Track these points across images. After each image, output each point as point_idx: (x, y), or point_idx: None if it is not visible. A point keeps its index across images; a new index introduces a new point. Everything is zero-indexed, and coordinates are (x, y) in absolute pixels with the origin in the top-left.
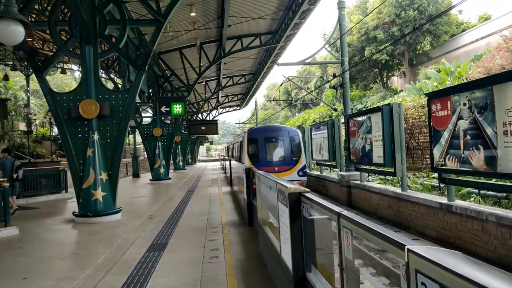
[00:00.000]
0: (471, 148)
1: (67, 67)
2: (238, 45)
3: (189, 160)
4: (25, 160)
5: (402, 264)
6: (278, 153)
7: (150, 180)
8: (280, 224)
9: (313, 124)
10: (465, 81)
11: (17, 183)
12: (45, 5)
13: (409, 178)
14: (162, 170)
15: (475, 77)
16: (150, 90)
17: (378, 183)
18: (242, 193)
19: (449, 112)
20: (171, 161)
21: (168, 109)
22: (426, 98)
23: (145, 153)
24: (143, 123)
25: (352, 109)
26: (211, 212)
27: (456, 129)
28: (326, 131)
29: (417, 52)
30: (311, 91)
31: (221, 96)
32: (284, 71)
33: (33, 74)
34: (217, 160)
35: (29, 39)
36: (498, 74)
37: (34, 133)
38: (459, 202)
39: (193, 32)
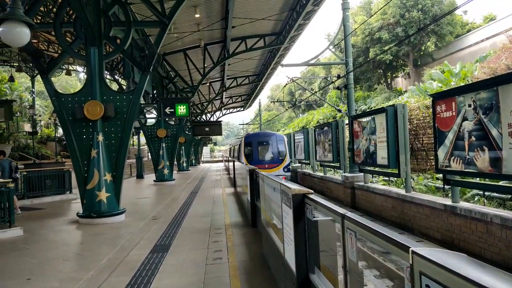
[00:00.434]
0: (476, 150)
1: (72, 69)
2: (242, 46)
3: (193, 161)
4: (29, 161)
5: (406, 266)
6: (268, 154)
7: (154, 181)
8: (284, 226)
9: (316, 126)
10: (470, 82)
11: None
12: (50, 7)
13: (413, 179)
14: (166, 171)
15: (480, 78)
16: (155, 91)
17: (382, 185)
18: (246, 194)
19: (454, 113)
20: (175, 162)
21: (172, 110)
22: (431, 99)
23: (149, 154)
24: (147, 124)
25: (356, 110)
26: (214, 213)
27: (461, 130)
28: (329, 132)
29: (422, 53)
30: (315, 92)
31: (225, 97)
32: (288, 72)
33: (38, 76)
34: (221, 161)
35: (35, 41)
36: (504, 75)
37: (39, 134)
38: (463, 204)
39: (197, 33)
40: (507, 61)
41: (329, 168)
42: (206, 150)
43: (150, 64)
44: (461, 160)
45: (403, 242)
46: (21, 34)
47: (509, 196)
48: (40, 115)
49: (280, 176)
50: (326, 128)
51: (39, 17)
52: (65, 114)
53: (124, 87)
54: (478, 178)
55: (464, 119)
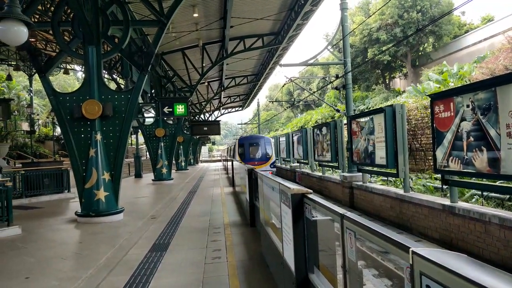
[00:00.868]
0: (474, 150)
1: (70, 68)
2: (240, 46)
3: (191, 160)
4: (27, 160)
5: (406, 267)
6: (257, 153)
7: (153, 180)
8: (283, 225)
9: (315, 125)
10: (468, 82)
11: None
12: (48, 6)
13: (411, 179)
14: (164, 171)
15: (478, 78)
16: (153, 91)
17: (381, 184)
18: (245, 194)
19: (452, 114)
20: (173, 162)
21: (171, 109)
22: (429, 99)
23: (147, 153)
24: (145, 123)
25: (354, 110)
26: (213, 213)
27: (459, 130)
28: (328, 132)
29: (420, 54)
30: (314, 92)
31: (224, 97)
32: (286, 72)
33: (36, 74)
34: (219, 160)
35: (32, 40)
36: (502, 76)
37: (37, 133)
38: (462, 204)
39: (195, 32)
40: (505, 62)
41: (328, 168)
42: (204, 149)
43: (148, 64)
44: (459, 161)
45: (403, 242)
46: (19, 33)
47: (507, 196)
48: (38, 114)
49: (267, 171)
50: (324, 128)
51: (37, 16)
52: (63, 113)
53: (122, 86)
54: (476, 178)
55: (463, 119)
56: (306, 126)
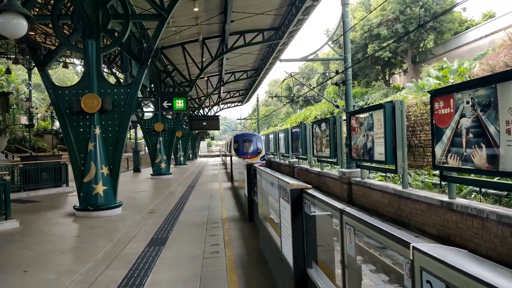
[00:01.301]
0: (473, 146)
1: (69, 61)
2: (240, 41)
3: (190, 155)
4: (26, 154)
5: (406, 262)
6: (250, 148)
7: (151, 175)
8: (281, 220)
9: (314, 121)
10: (468, 79)
11: None
12: None
13: (410, 175)
14: (163, 165)
15: (479, 75)
16: (152, 85)
17: (379, 180)
18: (243, 188)
19: (452, 110)
20: (172, 156)
21: (170, 104)
22: (429, 95)
23: (146, 148)
24: (144, 118)
25: (354, 106)
26: (211, 207)
27: (458, 127)
28: (327, 128)
29: (420, 50)
30: (313, 87)
31: (223, 92)
32: (286, 67)
33: (35, 68)
34: (218, 155)
35: (32, 33)
36: (502, 72)
37: (35, 126)
38: (460, 200)
39: (195, 27)
40: (506, 59)
41: (326, 164)
42: (203, 144)
43: (148, 58)
44: (458, 157)
45: (403, 238)
46: (19, 26)
47: (505, 193)
48: (36, 108)
49: (258, 163)
50: (323, 123)
51: (37, 9)
52: (62, 107)
53: (122, 80)
54: (474, 175)
55: (462, 116)
56: (305, 122)
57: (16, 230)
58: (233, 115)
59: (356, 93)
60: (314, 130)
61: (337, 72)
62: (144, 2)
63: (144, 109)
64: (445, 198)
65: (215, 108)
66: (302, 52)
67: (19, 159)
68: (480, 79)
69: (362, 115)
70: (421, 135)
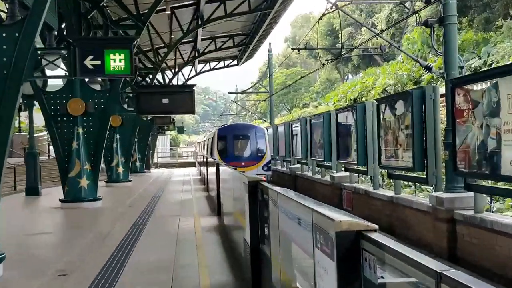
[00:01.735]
0: None
1: None
2: None
3: (137, 164)
4: None
5: None
6: (245, 150)
7: (61, 201)
8: None
9: (382, 98)
10: None
11: None
12: None
13: None
14: (84, 182)
15: None
16: (64, 25)
17: None
18: (241, 229)
19: None
20: (102, 165)
21: (99, 62)
22: None
23: (51, 147)
24: (48, 88)
25: (462, 68)
26: (180, 267)
27: None
28: (407, 111)
29: None
30: (380, 31)
31: (202, 39)
32: None
33: None
34: (193, 163)
35: None
36: None
37: None
38: None
39: None
40: None
41: (405, 182)
42: (164, 141)
43: None
44: None
45: None
46: None
47: None
48: None
49: (260, 175)
50: (401, 102)
51: None
52: None
53: (5, 16)
54: None
55: None
56: (364, 98)
57: None
58: (221, 86)
59: (466, 42)
60: (381, 116)
61: (427, 1)
62: None
63: (48, 72)
64: None
65: (185, 71)
66: None
67: None
68: None
69: (478, 87)
70: None
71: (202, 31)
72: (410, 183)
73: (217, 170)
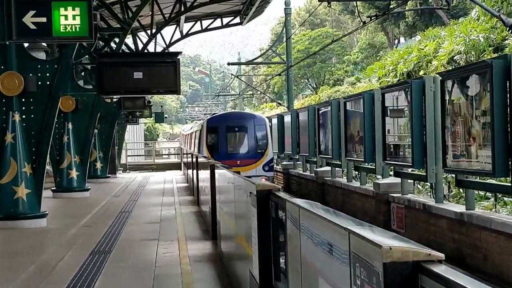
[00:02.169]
0: None
1: None
2: None
3: (97, 165)
4: None
5: None
6: (241, 145)
7: None
8: None
9: (449, 70)
10: None
11: None
12: None
13: None
14: (21, 191)
15: None
16: None
17: None
18: (247, 259)
19: None
20: (48, 167)
21: (44, 19)
22: None
23: None
24: None
25: None
26: None
27: None
28: (483, 89)
29: None
30: None
31: None
32: None
33: None
34: (178, 165)
35: None
36: None
37: None
38: None
39: None
40: None
41: (482, 195)
42: (136, 134)
43: None
44: None
45: None
46: None
47: None
48: None
49: (260, 176)
50: (475, 77)
51: None
52: None
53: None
54: None
55: None
56: (422, 73)
57: None
58: (218, 54)
59: None
60: (447, 98)
61: None
62: None
63: None
64: None
65: (167, 33)
66: None
67: None
68: None
69: None
70: None
71: None
72: (489, 194)
73: (212, 174)
